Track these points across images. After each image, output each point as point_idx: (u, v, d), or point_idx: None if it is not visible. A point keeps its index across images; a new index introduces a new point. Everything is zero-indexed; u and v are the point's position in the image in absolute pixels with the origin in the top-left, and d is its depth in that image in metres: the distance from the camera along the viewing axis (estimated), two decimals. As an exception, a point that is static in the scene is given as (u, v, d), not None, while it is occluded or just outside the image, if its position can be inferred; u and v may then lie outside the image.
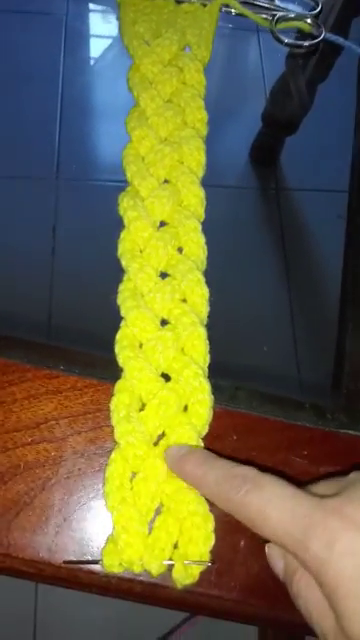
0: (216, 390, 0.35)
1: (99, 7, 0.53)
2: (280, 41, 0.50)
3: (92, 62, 0.51)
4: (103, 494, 0.31)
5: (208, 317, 0.36)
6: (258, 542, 0.32)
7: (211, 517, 0.31)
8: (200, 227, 0.38)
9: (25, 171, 0.45)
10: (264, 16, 0.50)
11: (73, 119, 0.47)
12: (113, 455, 0.32)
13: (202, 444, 0.33)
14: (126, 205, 0.38)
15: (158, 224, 0.39)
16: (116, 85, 0.46)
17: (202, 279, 0.36)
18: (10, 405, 0.34)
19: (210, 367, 0.34)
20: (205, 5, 0.50)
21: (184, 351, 0.35)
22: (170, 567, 0.30)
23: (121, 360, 0.34)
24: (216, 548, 0.31)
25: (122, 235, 0.38)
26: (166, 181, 0.40)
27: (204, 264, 0.37)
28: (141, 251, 0.37)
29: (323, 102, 0.53)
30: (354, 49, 0.51)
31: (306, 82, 0.54)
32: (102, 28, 0.53)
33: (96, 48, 0.52)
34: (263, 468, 0.33)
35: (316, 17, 0.51)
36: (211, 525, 0.31)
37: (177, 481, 0.31)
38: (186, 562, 0.30)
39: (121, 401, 0.33)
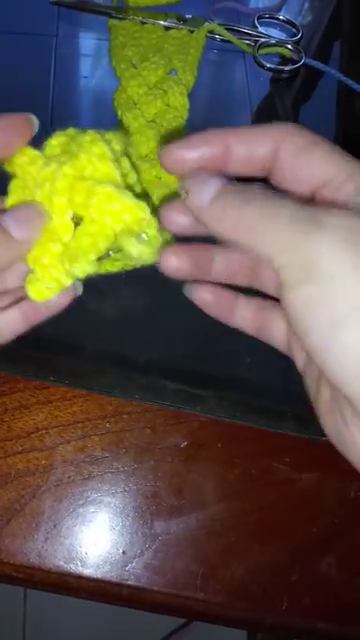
0: (201, 400, 0.36)
1: (89, 28, 0.55)
2: (262, 66, 0.53)
3: (82, 82, 0.53)
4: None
5: (193, 329, 0.37)
6: (243, 546, 0.33)
7: (142, 204, 0.26)
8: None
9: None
10: (247, 42, 0.52)
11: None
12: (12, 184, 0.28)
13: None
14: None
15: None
16: (106, 105, 0.48)
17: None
18: (1, 415, 0.35)
19: (195, 378, 0.36)
20: (192, 32, 0.52)
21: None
22: None
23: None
24: (201, 552, 0.32)
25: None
26: (145, 193, 0.42)
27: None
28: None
29: (305, 123, 0.55)
30: (333, 74, 0.53)
31: (290, 104, 0.56)
32: (91, 48, 0.55)
33: (86, 69, 0.54)
34: (246, 475, 0.34)
35: (297, 43, 0.54)
36: (146, 209, 0.26)
37: (84, 183, 0.26)
38: (136, 239, 0.25)
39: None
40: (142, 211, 0.25)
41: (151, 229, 0.25)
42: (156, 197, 0.40)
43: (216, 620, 0.34)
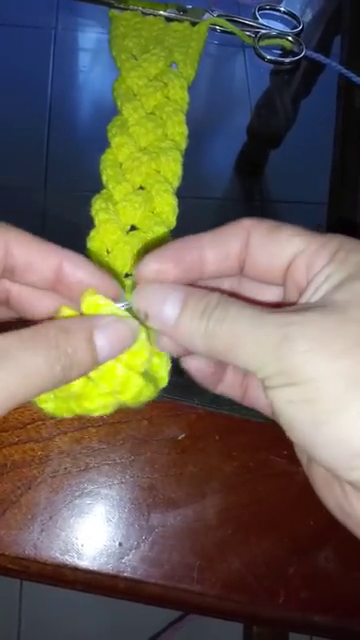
0: (199, 392, 0.36)
1: (88, 21, 0.55)
2: (262, 57, 0.52)
3: (81, 75, 0.53)
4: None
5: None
6: (240, 539, 0.33)
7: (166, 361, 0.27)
8: (169, 235, 0.39)
9: (13, 182, 0.46)
10: (248, 33, 0.52)
11: (62, 131, 0.48)
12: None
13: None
14: (98, 207, 0.40)
15: (128, 228, 0.40)
16: (104, 98, 0.48)
17: None
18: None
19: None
20: (194, 24, 0.51)
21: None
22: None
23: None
24: (198, 544, 0.32)
25: (91, 234, 0.39)
26: (141, 188, 0.42)
27: None
28: (108, 252, 0.38)
29: (305, 116, 0.55)
30: (334, 66, 0.53)
31: (290, 97, 0.56)
32: (91, 41, 0.55)
33: (85, 61, 0.53)
34: (244, 468, 0.34)
35: (298, 35, 0.53)
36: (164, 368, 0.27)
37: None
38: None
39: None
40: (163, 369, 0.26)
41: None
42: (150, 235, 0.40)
43: (212, 613, 0.34)
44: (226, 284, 0.27)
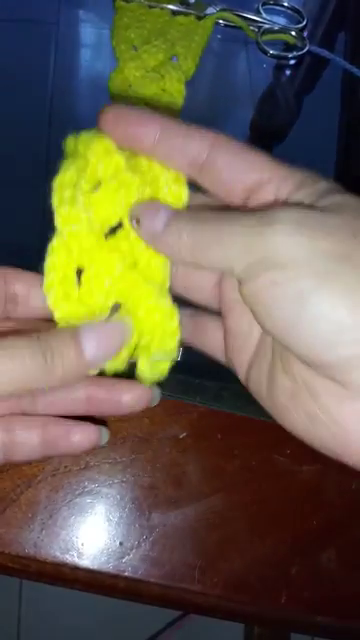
0: (201, 390, 0.36)
1: (90, 16, 0.54)
2: (265, 52, 0.52)
3: (82, 70, 0.52)
4: (44, 293, 0.26)
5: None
6: (242, 538, 0.33)
7: (175, 311, 0.26)
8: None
9: (14, 177, 0.46)
10: (251, 28, 0.52)
11: (62, 126, 0.48)
12: (53, 243, 0.26)
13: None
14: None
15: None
16: (106, 92, 0.47)
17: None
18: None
19: (195, 368, 0.35)
20: (200, 18, 0.51)
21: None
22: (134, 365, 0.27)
23: (71, 143, 0.28)
24: (200, 544, 0.31)
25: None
26: None
27: None
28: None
29: (308, 112, 0.54)
30: (337, 62, 0.52)
31: (293, 93, 0.56)
32: (93, 37, 0.54)
33: (86, 56, 0.53)
34: (246, 467, 0.34)
35: (301, 30, 0.53)
36: (176, 319, 0.26)
37: (134, 275, 0.26)
38: (151, 357, 0.26)
39: (66, 178, 0.26)
40: (173, 320, 0.26)
41: (172, 342, 0.26)
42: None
43: (214, 613, 0.34)
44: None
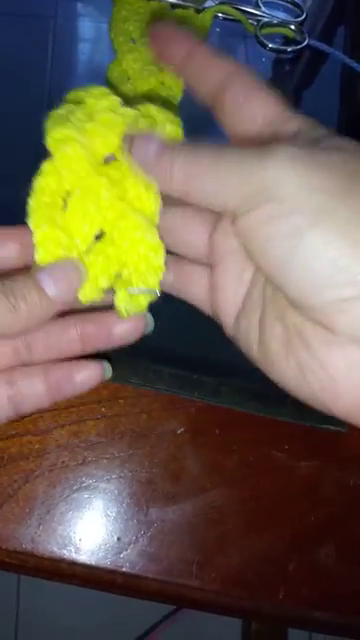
0: (199, 385, 0.36)
1: (88, 9, 0.54)
2: (264, 45, 0.51)
3: (80, 64, 0.52)
4: (29, 218, 0.26)
5: (191, 313, 0.36)
6: (240, 534, 0.33)
7: (162, 246, 0.26)
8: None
9: (11, 174, 0.46)
10: (250, 21, 0.51)
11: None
12: (44, 166, 0.26)
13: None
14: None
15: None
16: (105, 86, 0.47)
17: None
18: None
19: (192, 363, 0.35)
20: (199, 12, 0.51)
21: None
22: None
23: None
24: (198, 539, 0.31)
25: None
26: None
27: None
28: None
29: (308, 106, 0.54)
30: (337, 56, 0.52)
31: (292, 87, 0.55)
32: (91, 30, 0.54)
33: (84, 50, 0.53)
34: (244, 462, 0.34)
35: (301, 24, 0.52)
36: (162, 255, 0.26)
37: (121, 205, 0.26)
38: (131, 289, 0.26)
39: (63, 111, 0.26)
40: (159, 256, 0.25)
41: (155, 277, 0.26)
42: None
43: (211, 608, 0.33)
44: None
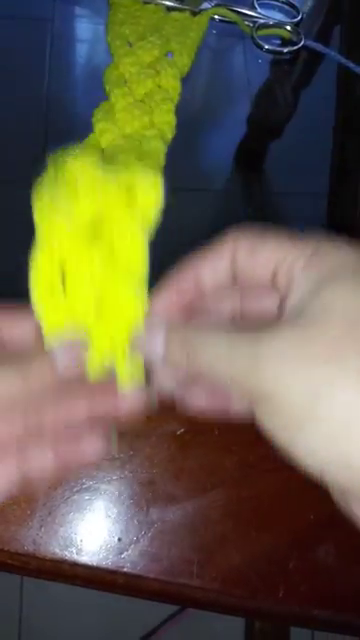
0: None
1: (85, 12, 0.54)
2: (260, 47, 0.52)
3: (78, 66, 0.52)
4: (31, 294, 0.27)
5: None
6: (240, 533, 0.33)
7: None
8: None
9: (11, 175, 0.46)
10: (246, 23, 0.52)
11: (59, 123, 0.48)
12: (36, 250, 0.26)
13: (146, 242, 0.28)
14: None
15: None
16: (102, 90, 0.47)
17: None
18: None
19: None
20: (195, 14, 0.51)
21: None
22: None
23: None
24: (198, 539, 0.32)
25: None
26: None
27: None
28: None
29: (305, 107, 0.54)
30: (333, 56, 0.52)
31: (289, 88, 0.56)
32: (88, 33, 0.54)
33: (82, 53, 0.53)
34: (244, 462, 0.34)
35: (297, 25, 0.53)
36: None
37: (112, 271, 0.27)
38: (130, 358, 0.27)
39: (47, 185, 0.27)
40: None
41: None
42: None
43: (212, 607, 0.34)
44: (228, 302, 0.28)
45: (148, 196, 0.27)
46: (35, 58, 0.51)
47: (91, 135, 0.42)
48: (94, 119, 0.43)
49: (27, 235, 0.42)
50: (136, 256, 0.27)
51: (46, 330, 0.27)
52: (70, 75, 0.52)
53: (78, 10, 0.55)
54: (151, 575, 0.32)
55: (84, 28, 0.55)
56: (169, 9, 0.51)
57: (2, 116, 0.48)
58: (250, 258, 0.25)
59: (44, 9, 0.54)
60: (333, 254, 0.23)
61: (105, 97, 0.46)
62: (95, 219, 0.27)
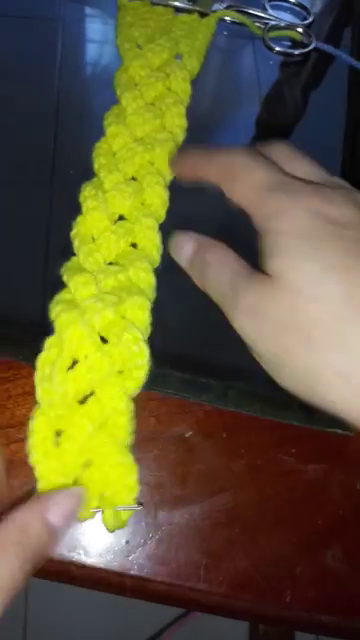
0: (206, 389, 0.36)
1: (96, 12, 0.54)
2: (270, 49, 0.52)
3: (89, 67, 0.52)
4: (29, 454, 0.30)
5: (199, 317, 0.36)
6: (247, 537, 0.33)
7: (135, 467, 0.30)
8: (157, 227, 0.38)
9: (21, 175, 0.46)
10: (257, 24, 0.51)
11: (69, 123, 0.48)
12: (35, 412, 0.30)
13: (132, 407, 0.32)
14: (87, 194, 0.38)
15: (116, 218, 0.38)
16: (113, 90, 0.47)
17: (150, 269, 0.35)
18: (5, 402, 0.35)
19: (200, 366, 0.35)
20: (203, 15, 0.51)
21: (125, 316, 0.33)
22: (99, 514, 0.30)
23: (53, 315, 0.32)
24: (205, 543, 0.32)
25: (77, 220, 0.37)
26: (133, 179, 0.41)
27: (157, 262, 0.36)
28: (93, 239, 0.37)
29: (315, 109, 0.54)
30: (344, 58, 0.52)
31: (299, 89, 0.55)
32: (99, 33, 0.54)
33: (92, 53, 0.53)
34: (252, 466, 0.34)
35: (308, 27, 0.53)
36: (135, 474, 0.30)
37: (102, 435, 0.30)
38: (116, 508, 0.30)
39: (47, 358, 0.31)
40: (132, 476, 0.30)
41: (130, 495, 0.30)
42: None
43: (218, 611, 0.34)
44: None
45: (136, 366, 0.31)
46: (46, 58, 0.51)
47: (102, 139, 0.42)
48: (105, 123, 0.42)
49: (31, 233, 0.43)
50: (122, 422, 0.31)
51: (42, 486, 0.29)
52: (81, 74, 0.52)
53: (88, 9, 0.55)
54: (158, 578, 0.32)
55: (95, 28, 0.55)
56: (179, 10, 0.51)
57: (12, 115, 0.48)
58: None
59: (54, 9, 0.54)
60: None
61: (115, 99, 0.45)
62: (89, 389, 0.31)
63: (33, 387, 0.35)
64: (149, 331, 0.33)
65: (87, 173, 0.45)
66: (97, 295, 0.33)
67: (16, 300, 0.40)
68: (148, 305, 0.33)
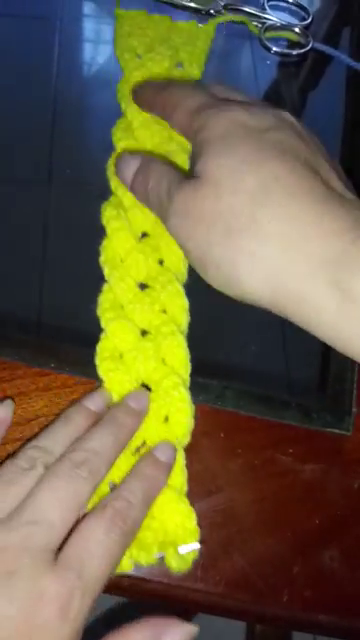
0: (204, 389, 0.36)
1: (94, 12, 0.54)
2: (268, 49, 0.51)
3: (86, 67, 0.52)
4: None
5: (197, 317, 0.36)
6: (244, 537, 0.33)
7: (193, 513, 0.32)
8: None
9: (17, 174, 0.46)
10: (254, 24, 0.51)
11: (66, 123, 0.48)
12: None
13: (183, 454, 0.33)
14: (109, 215, 0.38)
15: (140, 235, 0.38)
16: (110, 90, 0.47)
17: (181, 290, 0.36)
18: (1, 402, 0.34)
19: (198, 366, 0.35)
20: (204, 12, 0.51)
21: (164, 361, 0.35)
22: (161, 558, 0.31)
23: (101, 371, 0.34)
24: (202, 542, 0.32)
25: (104, 243, 0.38)
26: None
27: (185, 276, 0.37)
28: (122, 261, 0.37)
29: (313, 109, 0.54)
30: (342, 59, 0.52)
31: (297, 89, 0.55)
32: (96, 33, 0.54)
33: (90, 53, 0.53)
34: (249, 466, 0.34)
35: (306, 27, 0.53)
36: (194, 520, 0.32)
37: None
38: (180, 549, 0.31)
39: None
40: (192, 521, 0.31)
41: (192, 538, 0.31)
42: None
43: (216, 611, 0.34)
44: None
45: (178, 410, 0.34)
46: (43, 57, 0.51)
47: (113, 154, 0.41)
48: (114, 138, 0.42)
49: (27, 233, 0.43)
50: (176, 471, 0.33)
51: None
52: (78, 74, 0.52)
53: (86, 9, 0.55)
54: (155, 578, 0.32)
55: (92, 27, 0.54)
56: (175, 6, 0.50)
57: (9, 115, 0.48)
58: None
59: (52, 8, 0.54)
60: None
61: (113, 98, 0.45)
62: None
63: (29, 387, 0.35)
64: (189, 370, 0.35)
65: (84, 173, 0.45)
66: (138, 347, 0.35)
67: (12, 300, 0.40)
68: (184, 342, 0.35)
